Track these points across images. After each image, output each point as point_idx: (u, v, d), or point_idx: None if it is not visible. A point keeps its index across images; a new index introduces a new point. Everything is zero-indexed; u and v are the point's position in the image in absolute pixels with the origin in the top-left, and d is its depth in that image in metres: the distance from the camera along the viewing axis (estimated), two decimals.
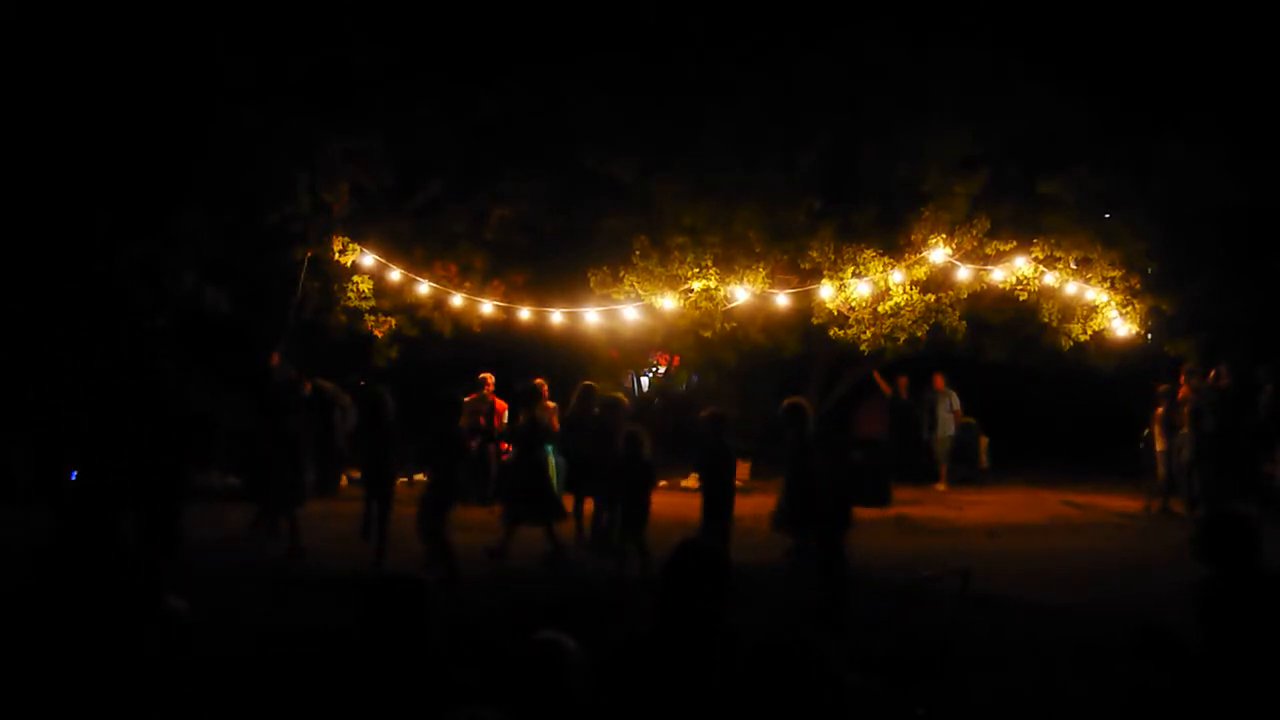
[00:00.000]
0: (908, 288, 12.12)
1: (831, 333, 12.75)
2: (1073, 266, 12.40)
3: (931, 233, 12.05)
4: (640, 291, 12.55)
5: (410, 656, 3.34)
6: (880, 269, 12.04)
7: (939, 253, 12.01)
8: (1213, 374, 12.55)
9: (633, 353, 16.33)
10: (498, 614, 7.26)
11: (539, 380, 11.82)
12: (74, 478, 11.46)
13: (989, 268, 12.27)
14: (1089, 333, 12.68)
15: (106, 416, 10.02)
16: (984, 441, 16.14)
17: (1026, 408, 16.83)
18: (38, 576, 4.06)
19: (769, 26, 12.45)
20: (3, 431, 12.32)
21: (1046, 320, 12.73)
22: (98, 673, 3.57)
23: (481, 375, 12.94)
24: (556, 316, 12.95)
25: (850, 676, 2.90)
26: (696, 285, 12.38)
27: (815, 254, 12.27)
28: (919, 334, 12.47)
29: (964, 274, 12.19)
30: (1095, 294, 12.52)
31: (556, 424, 11.29)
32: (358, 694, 3.30)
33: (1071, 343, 12.82)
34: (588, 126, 12.75)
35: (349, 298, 12.88)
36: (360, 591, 3.63)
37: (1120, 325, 12.77)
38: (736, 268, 12.36)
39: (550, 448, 11.06)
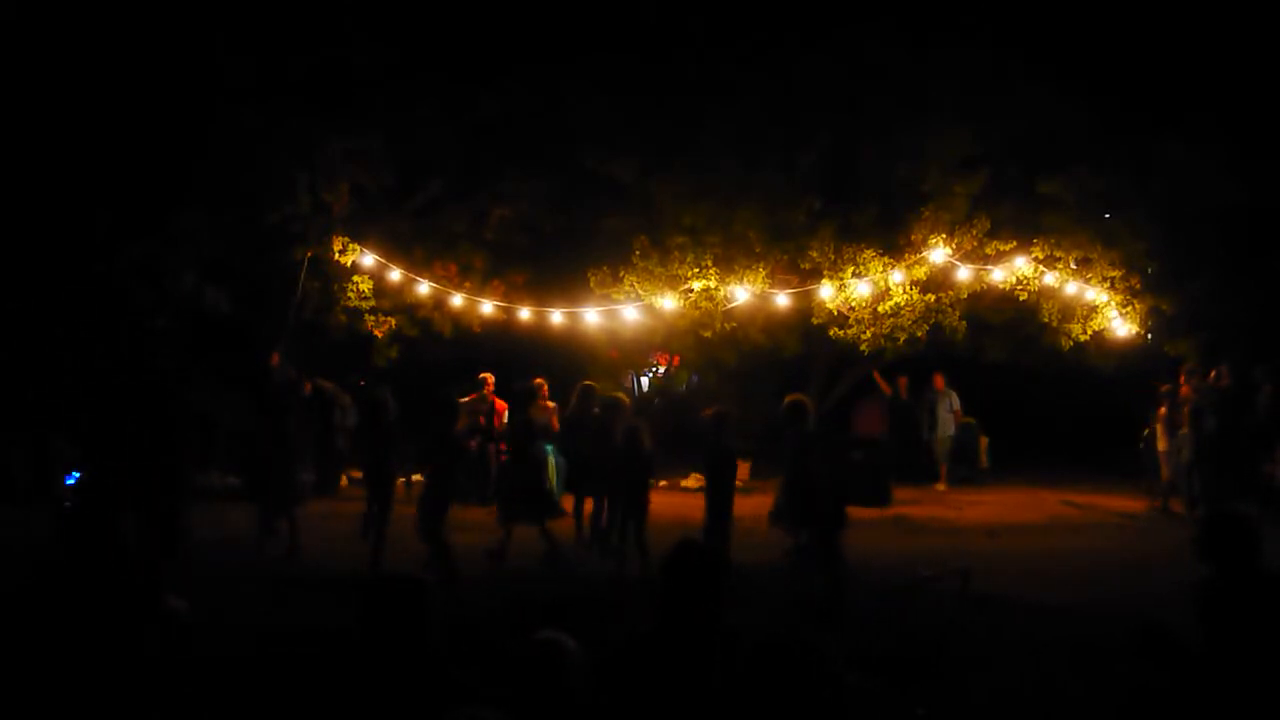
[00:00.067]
0: (908, 288, 12.13)
1: (831, 333, 12.76)
2: (1073, 266, 12.41)
3: (931, 233, 12.06)
4: (640, 291, 12.55)
5: (410, 656, 3.34)
6: (880, 269, 12.05)
7: (939, 253, 12.02)
8: (1213, 374, 12.54)
9: (633, 353, 16.31)
10: (498, 614, 7.25)
11: (539, 380, 11.83)
12: (74, 478, 11.48)
13: (989, 268, 12.27)
14: (1089, 333, 12.68)
15: (106, 416, 10.03)
16: (984, 441, 16.12)
17: (1026, 408, 16.83)
18: (38, 576, 4.06)
19: (769, 26, 12.45)
20: (3, 431, 12.32)
21: (1046, 320, 12.73)
22: (98, 673, 3.56)
23: (481, 375, 12.92)
24: (556, 316, 12.94)
25: (850, 676, 2.90)
26: (696, 285, 12.39)
27: (815, 254, 12.28)
28: (919, 334, 12.47)
29: (964, 274, 12.20)
30: (1095, 294, 12.53)
31: (556, 424, 11.30)
32: (358, 694, 3.30)
33: (1071, 343, 12.83)
34: (588, 126, 12.76)
35: (349, 298, 12.89)
36: (360, 591, 3.63)
37: (1120, 325, 12.78)
38: (736, 268, 12.37)
39: (550, 447, 11.06)
